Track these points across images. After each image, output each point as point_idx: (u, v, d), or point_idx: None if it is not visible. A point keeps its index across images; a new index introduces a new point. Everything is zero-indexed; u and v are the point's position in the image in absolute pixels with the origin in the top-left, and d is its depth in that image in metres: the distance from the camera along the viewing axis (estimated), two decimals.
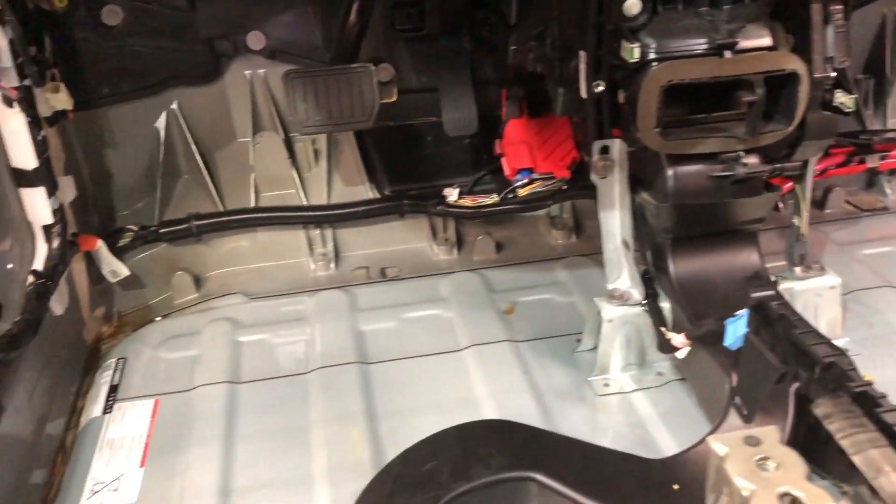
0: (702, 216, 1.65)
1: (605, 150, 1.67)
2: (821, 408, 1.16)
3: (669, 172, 1.59)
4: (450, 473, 1.38)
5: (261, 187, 2.24)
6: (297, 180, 2.25)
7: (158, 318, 2.10)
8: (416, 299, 2.11)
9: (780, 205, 2.13)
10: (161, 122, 2.16)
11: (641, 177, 1.70)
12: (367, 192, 2.29)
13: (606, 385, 1.74)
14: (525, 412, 1.64)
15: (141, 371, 1.89)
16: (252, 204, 2.23)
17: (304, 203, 2.26)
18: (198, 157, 2.19)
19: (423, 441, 1.45)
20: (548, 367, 1.82)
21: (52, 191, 1.78)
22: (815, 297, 1.74)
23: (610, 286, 1.74)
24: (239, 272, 2.24)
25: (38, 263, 1.77)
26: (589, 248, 2.24)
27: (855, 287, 1.95)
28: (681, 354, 1.60)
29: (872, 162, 2.20)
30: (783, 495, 0.96)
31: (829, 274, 1.77)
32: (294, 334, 1.99)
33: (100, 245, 2.00)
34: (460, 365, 1.84)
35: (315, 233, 2.28)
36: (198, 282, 2.19)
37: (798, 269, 1.75)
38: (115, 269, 2.04)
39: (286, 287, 2.20)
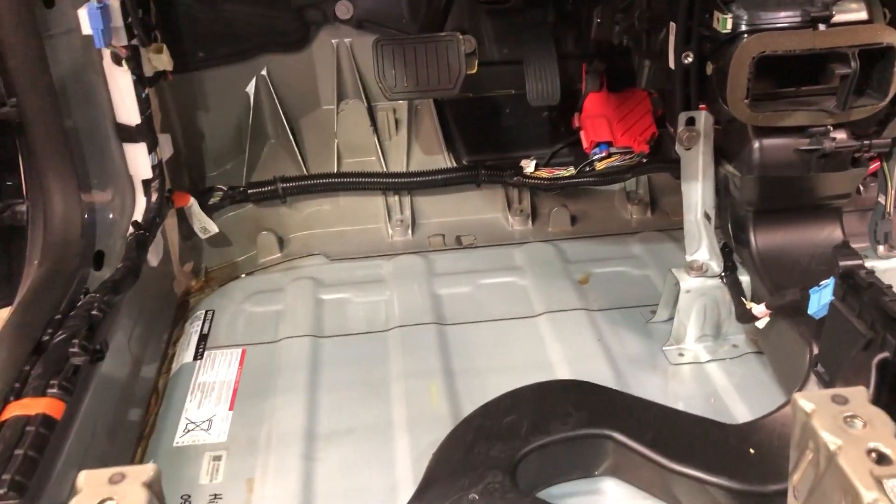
0: (786, 190, 1.65)
1: (690, 122, 1.68)
2: None
3: (756, 144, 1.60)
4: (528, 427, 1.42)
5: (343, 153, 2.31)
6: (378, 148, 2.31)
7: (243, 275, 2.19)
8: (491, 267, 2.15)
9: (860, 187, 2.10)
10: (251, 88, 2.24)
11: (726, 149, 1.71)
12: (445, 161, 2.34)
13: (681, 354, 1.76)
14: (599, 377, 1.67)
15: (228, 323, 1.98)
16: (335, 169, 2.30)
17: (384, 170, 2.32)
18: (284, 122, 2.27)
19: (503, 395, 1.50)
20: (622, 335, 1.85)
21: (152, 147, 1.86)
22: None
23: (689, 258, 1.75)
24: (320, 234, 2.32)
25: (138, 216, 1.86)
26: (664, 224, 2.27)
27: None
28: (760, 324, 1.61)
29: None
30: (871, 451, 0.96)
31: None
32: (373, 295, 2.06)
33: (192, 202, 2.09)
34: (535, 330, 1.89)
35: (393, 199, 2.33)
36: (281, 242, 2.27)
37: (881, 248, 1.73)
38: (205, 225, 2.12)
39: (364, 251, 2.27)
